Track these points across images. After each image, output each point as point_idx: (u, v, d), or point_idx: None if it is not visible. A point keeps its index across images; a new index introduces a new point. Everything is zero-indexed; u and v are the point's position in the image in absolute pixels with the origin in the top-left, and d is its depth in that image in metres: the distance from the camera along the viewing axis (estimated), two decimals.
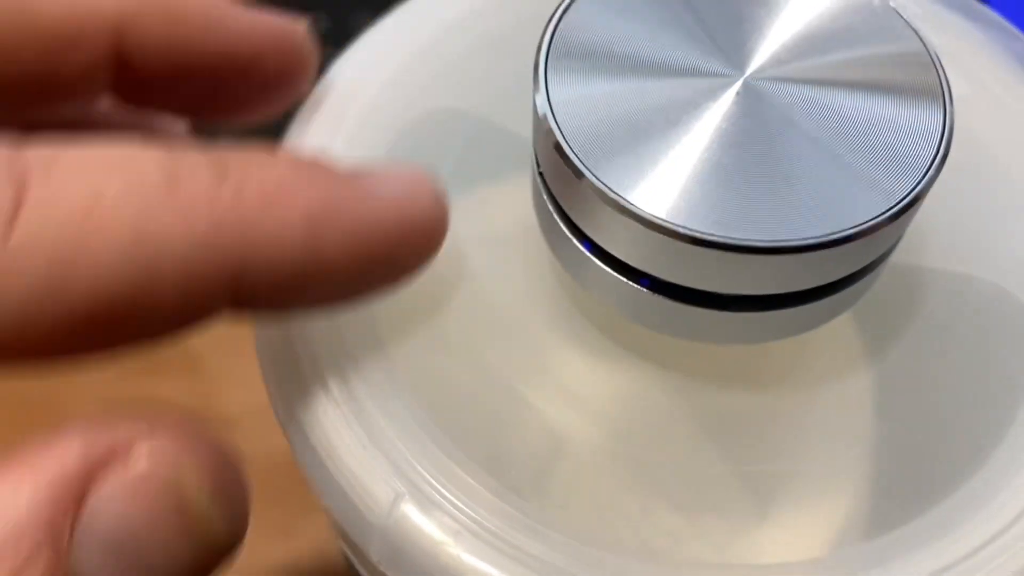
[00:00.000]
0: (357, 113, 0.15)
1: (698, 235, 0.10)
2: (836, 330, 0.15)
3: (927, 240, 0.15)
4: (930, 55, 0.11)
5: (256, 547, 0.33)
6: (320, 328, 0.13)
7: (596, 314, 0.15)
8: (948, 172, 0.14)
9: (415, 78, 0.16)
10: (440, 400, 0.13)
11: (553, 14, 0.12)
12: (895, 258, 0.14)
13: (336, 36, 0.42)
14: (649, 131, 0.11)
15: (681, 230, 0.10)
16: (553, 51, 0.12)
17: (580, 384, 0.15)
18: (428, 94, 0.16)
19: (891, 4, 0.12)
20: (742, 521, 0.14)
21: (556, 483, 0.14)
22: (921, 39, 0.12)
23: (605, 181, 0.11)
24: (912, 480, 0.13)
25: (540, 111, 0.11)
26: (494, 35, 0.16)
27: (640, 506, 0.14)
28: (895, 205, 0.10)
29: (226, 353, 0.37)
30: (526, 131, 0.15)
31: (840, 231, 0.10)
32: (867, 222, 0.10)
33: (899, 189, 0.10)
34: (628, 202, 0.10)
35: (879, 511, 0.14)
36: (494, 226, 0.16)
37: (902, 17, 0.12)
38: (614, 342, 0.15)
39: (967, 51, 0.15)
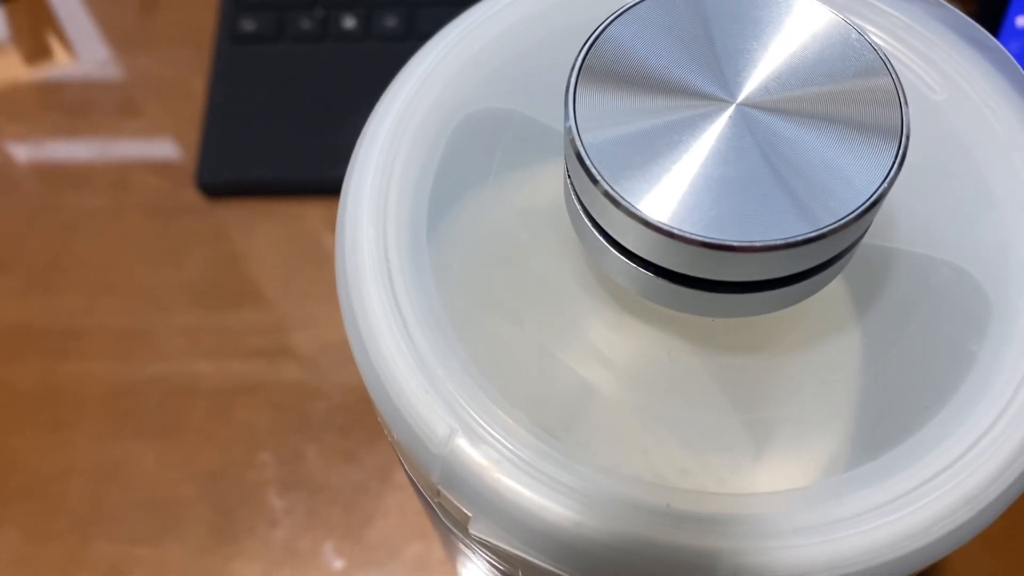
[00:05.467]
0: (423, 109, 0.18)
1: (690, 235, 0.13)
2: (823, 299, 0.17)
3: (909, 225, 0.17)
4: (898, 94, 0.14)
5: (323, 470, 0.38)
6: (391, 296, 0.16)
7: (615, 284, 0.17)
8: (929, 168, 0.16)
9: (471, 79, 0.18)
10: (487, 353, 0.16)
11: (588, 39, 0.15)
12: (877, 240, 0.17)
13: (362, 33, 0.44)
14: (657, 145, 0.14)
15: (676, 231, 0.13)
16: (584, 72, 0.14)
17: (604, 342, 0.18)
18: (481, 93, 0.18)
19: (867, 40, 0.14)
20: (741, 458, 0.17)
21: (583, 425, 0.17)
22: (892, 75, 0.14)
23: (616, 187, 0.13)
24: (881, 426, 0.16)
25: (567, 123, 0.14)
26: (537, 42, 0.18)
27: (654, 445, 0.17)
28: (828, 225, 0.13)
29: (298, 296, 0.41)
30: (560, 125, 0.18)
31: (793, 237, 0.13)
32: (811, 233, 0.13)
33: (837, 212, 0.13)
34: (634, 206, 0.13)
35: (854, 450, 0.16)
36: (535, 205, 0.18)
37: (878, 53, 0.14)
38: (632, 308, 0.17)
39: (949, 59, 0.18)
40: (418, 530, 0.36)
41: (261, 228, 0.42)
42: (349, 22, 0.44)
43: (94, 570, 0.36)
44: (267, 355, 0.39)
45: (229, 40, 0.45)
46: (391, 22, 0.44)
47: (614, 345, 0.17)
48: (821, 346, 0.17)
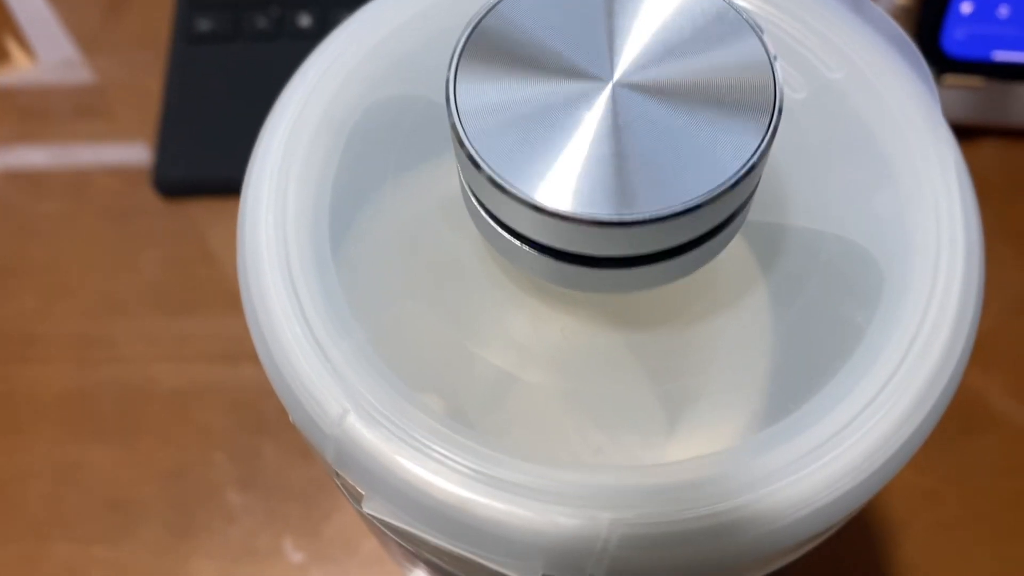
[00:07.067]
0: (327, 98, 0.18)
1: (564, 213, 0.13)
2: (728, 271, 0.17)
3: (808, 201, 0.17)
4: (771, 69, 0.14)
5: (279, 467, 0.38)
6: (288, 280, 0.16)
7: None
8: (826, 145, 0.16)
9: (374, 69, 0.18)
10: (392, 339, 0.16)
11: (475, 16, 0.15)
12: (775, 217, 0.17)
13: (318, 31, 0.44)
14: (536, 126, 0.14)
15: (551, 209, 0.13)
16: (467, 51, 0.14)
17: (512, 324, 0.18)
18: (385, 82, 0.18)
19: (743, 17, 0.14)
20: (655, 434, 0.17)
21: (496, 407, 0.17)
22: (767, 51, 0.14)
23: (497, 169, 0.13)
24: (784, 390, 0.16)
25: (449, 104, 0.14)
26: (442, 31, 0.19)
27: (568, 425, 0.17)
28: (695, 199, 0.13)
29: None
30: None
31: (660, 211, 0.13)
32: (676, 207, 0.13)
33: (705, 186, 0.13)
34: (514, 187, 0.13)
35: (764, 413, 0.17)
36: (441, 190, 0.19)
37: (754, 29, 0.14)
38: (536, 289, 0.17)
39: (845, 37, 0.18)
40: None
41: (219, 227, 0.42)
42: (304, 20, 0.44)
43: (51, 571, 0.36)
44: (225, 355, 0.39)
45: (185, 40, 0.45)
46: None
47: (521, 327, 0.18)
48: (725, 316, 0.17)
